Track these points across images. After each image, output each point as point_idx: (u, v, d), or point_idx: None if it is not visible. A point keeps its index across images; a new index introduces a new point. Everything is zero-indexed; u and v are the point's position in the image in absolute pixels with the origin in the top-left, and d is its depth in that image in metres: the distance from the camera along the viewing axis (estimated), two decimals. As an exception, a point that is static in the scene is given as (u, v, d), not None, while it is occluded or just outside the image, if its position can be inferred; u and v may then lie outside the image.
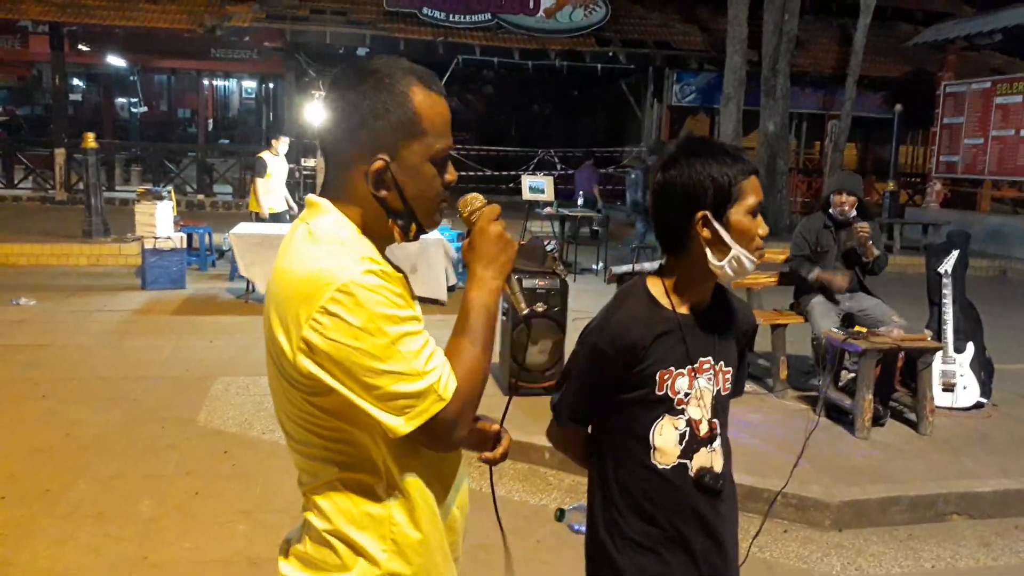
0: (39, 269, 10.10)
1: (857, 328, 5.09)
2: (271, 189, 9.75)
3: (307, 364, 1.23)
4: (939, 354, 5.26)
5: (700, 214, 1.67)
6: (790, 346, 5.79)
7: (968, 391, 5.41)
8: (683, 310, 1.74)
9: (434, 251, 8.38)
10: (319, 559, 1.35)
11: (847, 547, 3.83)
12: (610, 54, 17.19)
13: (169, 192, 10.50)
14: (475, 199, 1.44)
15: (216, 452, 4.61)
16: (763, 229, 1.70)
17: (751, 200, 1.67)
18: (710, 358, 1.75)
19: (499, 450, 1.61)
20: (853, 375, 5.10)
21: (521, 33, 17.06)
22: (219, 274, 10.04)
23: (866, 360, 4.80)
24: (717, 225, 1.67)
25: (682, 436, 1.72)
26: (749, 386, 5.68)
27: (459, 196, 1.48)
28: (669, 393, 1.71)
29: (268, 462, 4.46)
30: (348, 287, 1.21)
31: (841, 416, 5.04)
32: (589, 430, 1.88)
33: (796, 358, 6.05)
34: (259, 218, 9.69)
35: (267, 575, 3.26)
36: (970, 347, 5.46)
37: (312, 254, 1.26)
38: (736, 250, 1.67)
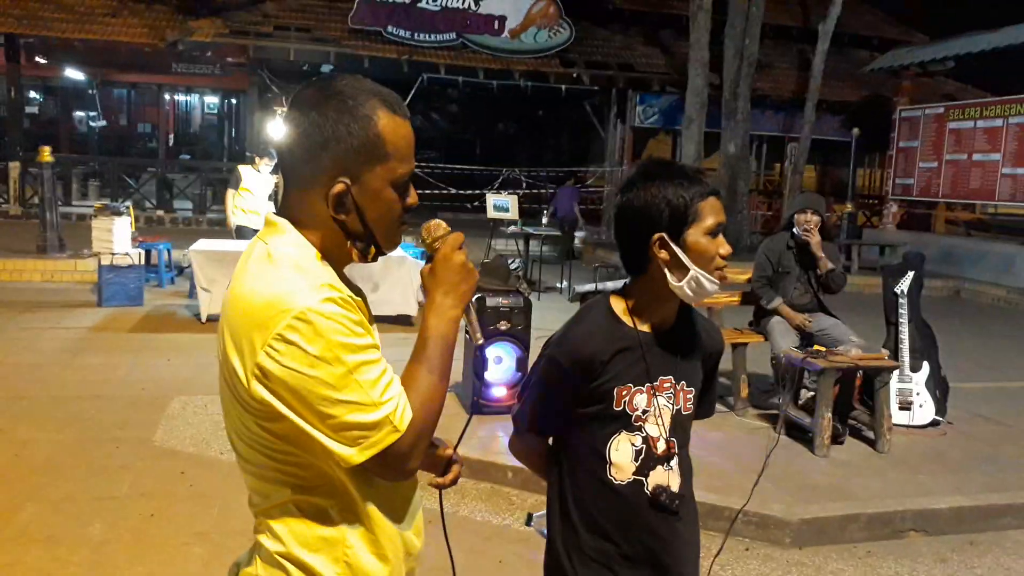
0: (-9, 285, 9.85)
1: (816, 347, 5.16)
2: (245, 204, 9.31)
3: (260, 390, 1.21)
4: (896, 373, 5.35)
5: (656, 236, 1.69)
6: (750, 364, 5.85)
7: (924, 409, 5.50)
8: (645, 328, 1.75)
9: (397, 267, 8.33)
10: None
11: (807, 564, 3.86)
12: (574, 75, 17.36)
13: (127, 207, 10.32)
14: (439, 226, 1.43)
15: (172, 473, 4.51)
16: (724, 249, 1.71)
17: (709, 221, 1.68)
18: (671, 377, 1.76)
19: (449, 476, 1.59)
20: (812, 394, 5.17)
21: (486, 53, 17.14)
22: (178, 291, 9.87)
23: (825, 379, 4.86)
24: (674, 247, 1.68)
25: (638, 452, 1.73)
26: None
27: (422, 219, 1.47)
28: (627, 409, 1.72)
29: (226, 483, 4.37)
30: (306, 314, 1.18)
31: (801, 434, 5.09)
32: (550, 442, 1.89)
33: (756, 376, 6.11)
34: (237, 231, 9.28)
35: (223, 599, 3.19)
36: (925, 366, 5.56)
37: (269, 278, 1.24)
38: (694, 271, 1.68)
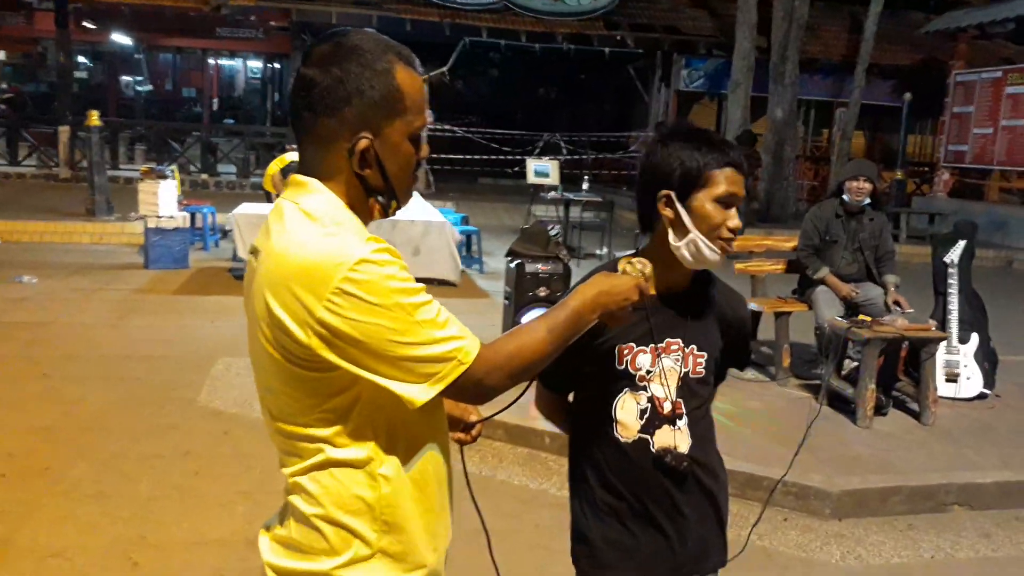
0: (42, 247, 10.09)
1: (861, 317, 5.06)
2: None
3: (323, 345, 1.22)
4: (943, 344, 5.23)
5: (663, 193, 1.71)
6: (793, 334, 5.77)
7: (971, 382, 5.38)
8: (653, 290, 1.74)
9: (437, 233, 8.34)
10: (305, 543, 1.33)
11: (847, 536, 3.82)
12: (618, 38, 17.08)
13: (173, 171, 10.46)
14: (646, 265, 1.55)
15: (216, 433, 4.61)
16: (733, 222, 1.70)
17: (720, 189, 1.68)
18: (679, 340, 1.78)
19: (472, 433, 1.66)
20: (856, 364, 5.08)
21: (529, 16, 16.93)
22: (222, 254, 10.02)
23: (870, 349, 4.77)
24: (679, 205, 1.70)
25: (643, 411, 1.76)
26: (751, 373, 5.66)
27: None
28: (629, 368, 1.76)
29: (268, 443, 4.38)
30: (361, 266, 1.20)
31: (843, 405, 5.01)
32: (570, 399, 1.93)
33: (799, 346, 6.02)
34: (270, 198, 9.53)
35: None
36: (974, 338, 5.43)
37: (315, 234, 1.24)
38: (694, 234, 1.69)
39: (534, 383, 1.69)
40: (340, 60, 1.29)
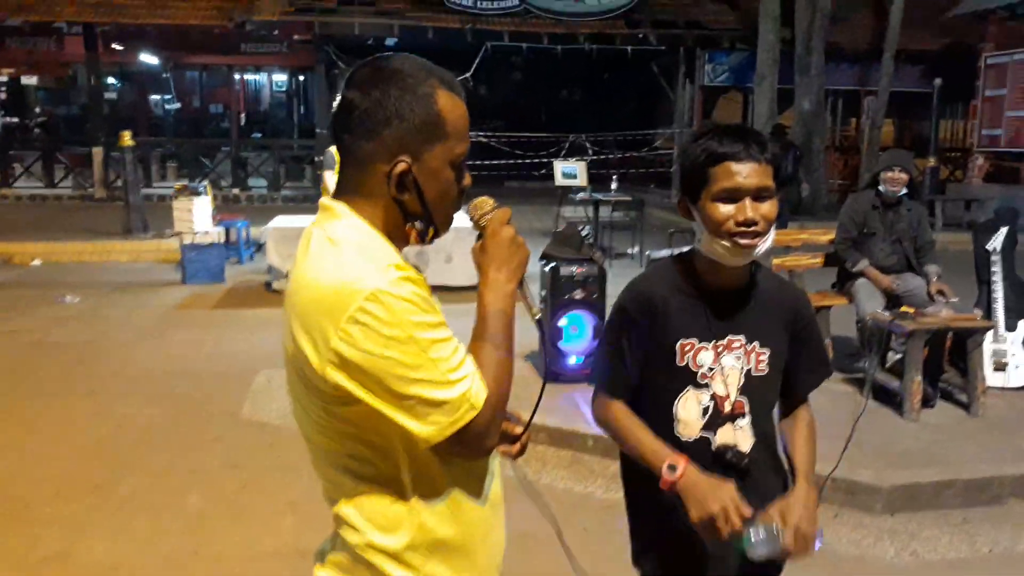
0: (81, 267, 10.28)
1: (904, 309, 4.99)
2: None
3: (336, 376, 1.21)
4: (989, 333, 5.13)
5: (679, 200, 1.78)
6: (834, 327, 5.70)
7: (1020, 370, 5.27)
8: (711, 286, 1.77)
9: (469, 238, 8.27)
10: (356, 570, 1.34)
11: (900, 532, 3.76)
12: (640, 36, 16.99)
13: (206, 187, 10.60)
14: (485, 202, 1.44)
15: (261, 445, 4.66)
16: (742, 215, 1.66)
17: (717, 185, 1.68)
18: (742, 337, 1.77)
19: (517, 446, 1.59)
20: (900, 356, 5.00)
21: (549, 18, 16.90)
22: (257, 267, 10.11)
23: (914, 341, 4.70)
24: (692, 209, 1.75)
25: (705, 410, 1.76)
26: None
27: (485, 191, 1.47)
28: (691, 366, 1.75)
29: (313, 454, 4.48)
30: (376, 295, 1.18)
31: (889, 399, 4.94)
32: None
33: (841, 340, 5.95)
34: None
35: (317, 566, 3.29)
36: (1021, 325, 5.33)
37: (335, 262, 1.23)
38: (706, 234, 1.71)
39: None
40: (381, 83, 1.28)
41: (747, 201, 1.66)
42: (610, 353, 1.83)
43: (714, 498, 1.58)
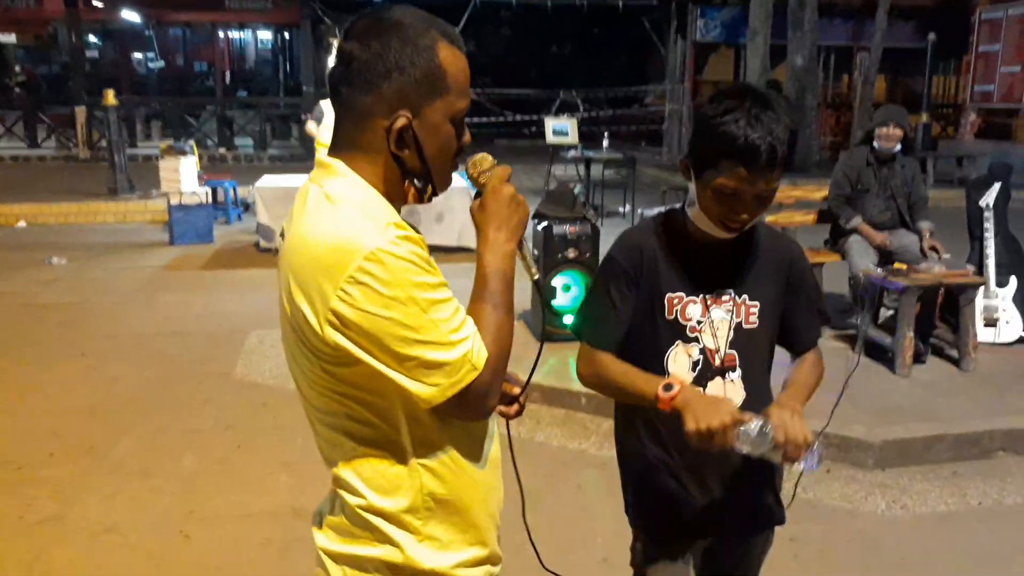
0: (67, 228, 10.17)
1: (896, 265, 4.99)
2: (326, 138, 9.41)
3: (335, 336, 1.18)
4: (981, 289, 5.15)
5: (683, 160, 1.72)
6: (826, 284, 5.70)
7: (1011, 326, 5.30)
8: (701, 241, 1.74)
9: (460, 198, 8.30)
10: (355, 531, 1.33)
11: (891, 486, 3.80)
12: (631, -10, 16.77)
13: (192, 147, 10.46)
14: (484, 159, 1.38)
15: (255, 405, 4.65)
16: (732, 220, 1.65)
17: (722, 180, 1.61)
18: (731, 291, 1.76)
19: (515, 407, 1.58)
20: (891, 312, 5.01)
21: (539, -29, 16.65)
22: (246, 227, 10.03)
23: (907, 297, 4.70)
24: (693, 178, 1.70)
25: (695, 363, 1.75)
26: (785, 326, 5.60)
27: (477, 149, 1.42)
28: (680, 319, 1.74)
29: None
30: (376, 255, 1.15)
31: (881, 355, 4.96)
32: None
33: (833, 296, 5.96)
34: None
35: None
36: (1013, 281, 5.34)
37: (334, 220, 1.20)
38: (697, 209, 1.69)
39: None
40: (380, 35, 1.23)
41: (747, 201, 1.62)
42: (599, 304, 1.81)
43: (715, 412, 1.54)
